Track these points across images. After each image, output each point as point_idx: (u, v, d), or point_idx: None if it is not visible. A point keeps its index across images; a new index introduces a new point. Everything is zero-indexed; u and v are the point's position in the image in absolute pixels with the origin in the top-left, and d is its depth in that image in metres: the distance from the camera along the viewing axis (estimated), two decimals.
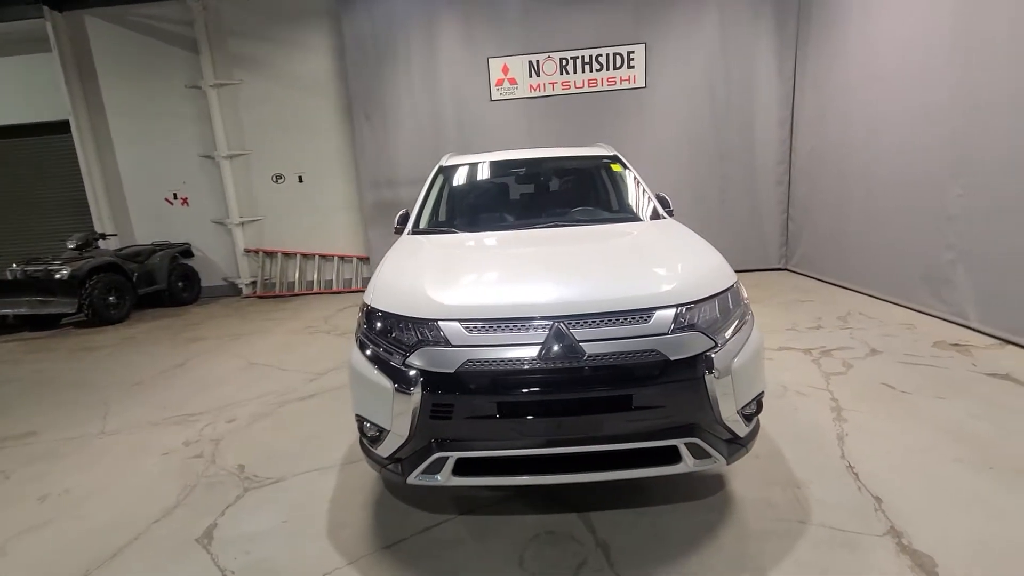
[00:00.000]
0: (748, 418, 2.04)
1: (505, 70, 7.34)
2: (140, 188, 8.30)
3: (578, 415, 1.85)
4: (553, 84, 7.33)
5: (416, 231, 3.22)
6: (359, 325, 2.24)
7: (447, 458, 1.90)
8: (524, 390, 1.85)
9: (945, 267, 4.69)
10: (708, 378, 1.86)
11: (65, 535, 2.38)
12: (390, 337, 2.07)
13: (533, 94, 7.38)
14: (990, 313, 4.27)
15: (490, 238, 2.92)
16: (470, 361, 1.87)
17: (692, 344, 1.89)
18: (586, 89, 7.32)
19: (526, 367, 1.84)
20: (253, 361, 4.83)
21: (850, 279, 6.05)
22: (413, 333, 2.00)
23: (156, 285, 7.49)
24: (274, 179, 8.24)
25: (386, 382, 1.95)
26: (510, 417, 1.86)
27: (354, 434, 3.11)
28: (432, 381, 1.88)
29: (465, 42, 7.29)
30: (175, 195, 8.36)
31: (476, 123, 7.48)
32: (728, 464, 1.99)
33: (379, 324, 2.12)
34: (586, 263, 2.36)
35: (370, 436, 2.15)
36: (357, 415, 2.17)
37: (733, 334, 1.98)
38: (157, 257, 7.63)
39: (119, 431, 3.48)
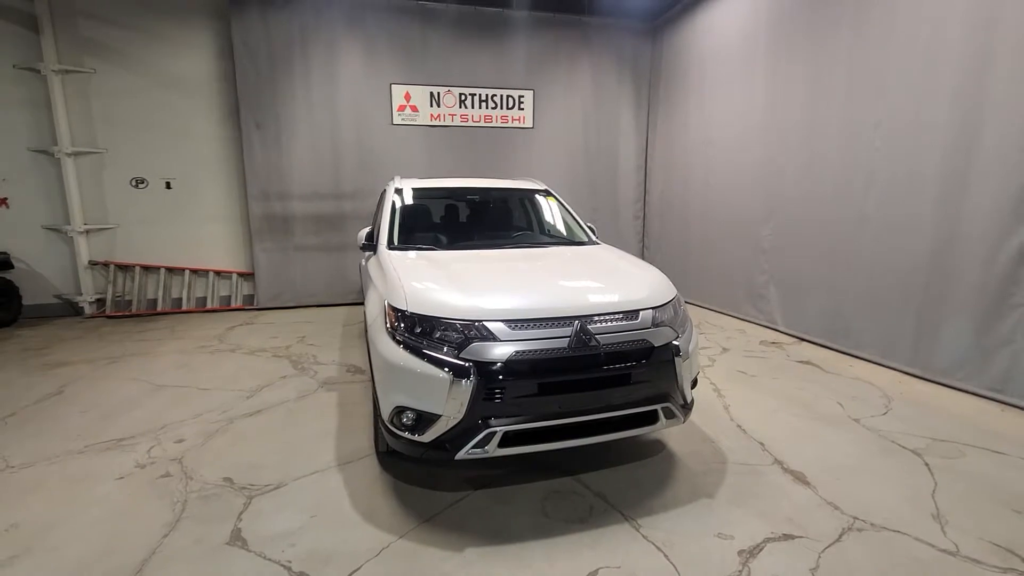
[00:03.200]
0: (692, 388, 2.84)
1: (408, 97, 7.71)
2: None
3: (595, 390, 2.44)
4: (453, 116, 7.91)
5: (394, 247, 3.49)
6: (392, 328, 2.54)
7: (495, 432, 2.33)
8: (558, 372, 2.38)
9: (761, 287, 6.36)
10: (676, 359, 2.60)
11: (46, 568, 2.18)
12: (434, 336, 2.43)
13: (434, 123, 7.87)
14: (790, 319, 5.94)
15: (478, 255, 3.37)
16: (518, 352, 2.35)
17: (666, 335, 2.62)
18: (482, 124, 8.04)
19: (561, 355, 2.39)
20: (158, 383, 4.42)
21: (694, 297, 7.64)
22: (460, 332, 2.40)
23: None
24: (134, 183, 7.32)
25: (442, 373, 2.31)
26: (547, 394, 2.37)
27: (335, 438, 3.29)
28: (486, 370, 2.31)
29: (368, 65, 7.50)
30: None
31: (376, 144, 7.68)
32: (683, 422, 2.75)
33: (421, 327, 2.47)
34: (582, 275, 2.99)
35: (409, 425, 2.46)
36: (397, 407, 2.46)
37: (685, 329, 2.78)
38: None
39: (31, 464, 3.05)
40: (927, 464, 2.98)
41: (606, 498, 2.64)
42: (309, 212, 7.68)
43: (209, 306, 7.64)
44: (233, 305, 7.74)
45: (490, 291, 2.64)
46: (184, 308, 7.52)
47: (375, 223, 3.97)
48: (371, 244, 3.68)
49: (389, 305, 2.63)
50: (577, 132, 8.43)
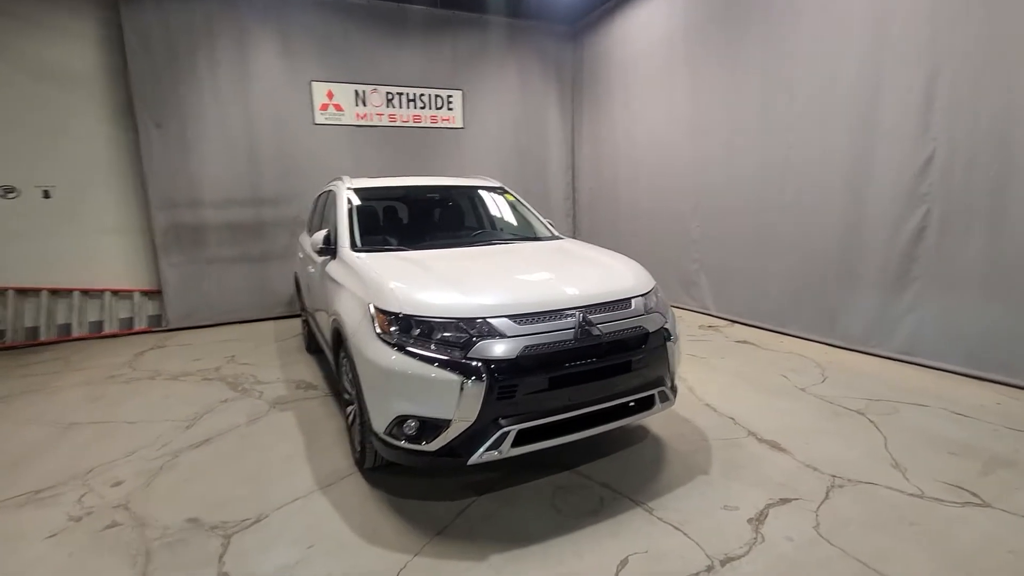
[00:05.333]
0: None
1: (330, 95, 7.30)
2: None
3: (601, 379, 2.44)
4: (380, 115, 7.61)
5: (359, 249, 3.26)
6: (385, 333, 2.37)
7: (508, 432, 2.25)
8: (567, 364, 2.36)
9: (692, 275, 6.79)
10: (669, 343, 2.69)
11: None
12: (435, 338, 2.30)
13: (360, 122, 7.51)
14: (721, 304, 6.40)
15: (452, 253, 3.22)
16: (528, 347, 2.29)
17: (657, 320, 2.70)
18: (411, 124, 7.82)
19: (568, 347, 2.37)
20: (68, 422, 3.78)
21: None
22: (464, 332, 2.29)
23: None
24: (1, 192, 6.23)
25: (451, 376, 2.19)
26: (557, 388, 2.34)
27: (307, 460, 3.01)
28: (497, 368, 2.23)
29: (285, 61, 6.99)
30: None
31: (298, 145, 7.18)
32: (673, 405, 2.84)
33: (419, 328, 2.32)
34: (567, 267, 2.98)
35: (412, 435, 2.31)
36: (398, 416, 2.29)
37: (669, 314, 2.87)
38: None
39: None
40: (872, 422, 3.33)
41: (611, 487, 2.66)
42: (224, 220, 7.00)
43: (107, 331, 6.68)
44: (137, 328, 6.84)
45: (488, 287, 2.56)
46: (75, 335, 6.52)
47: (330, 225, 3.69)
48: (329, 247, 3.41)
49: (377, 309, 2.46)
50: (507, 132, 8.47)
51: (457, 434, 2.24)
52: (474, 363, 2.22)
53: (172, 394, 4.31)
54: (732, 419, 3.44)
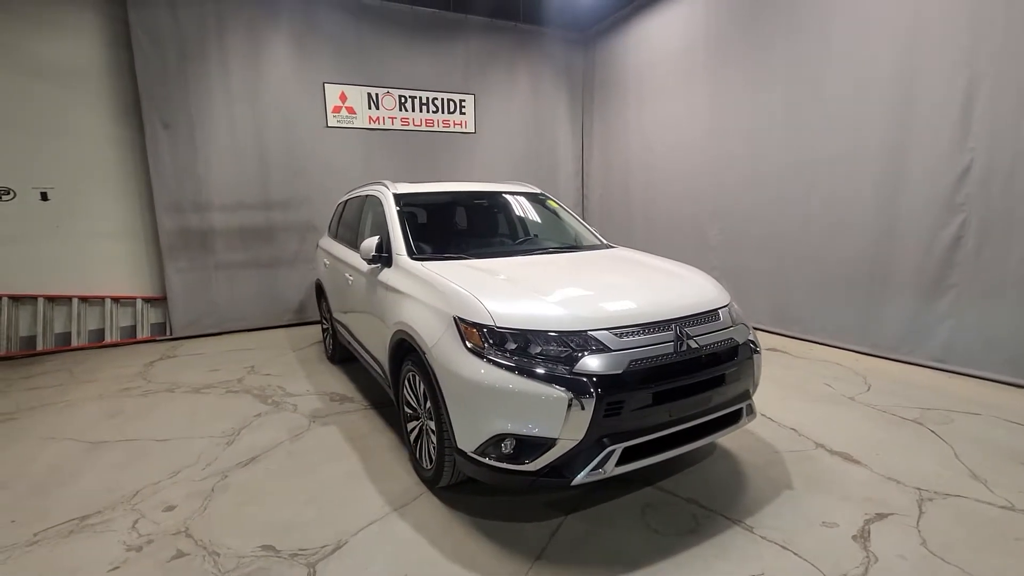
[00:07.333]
0: None
1: (343, 98, 7.12)
2: None
3: (699, 393, 2.37)
4: (393, 119, 7.45)
5: (417, 257, 3.12)
6: (479, 347, 2.25)
7: (614, 450, 2.16)
8: (670, 378, 2.27)
9: None
10: (755, 356, 2.63)
11: None
12: (534, 352, 2.19)
13: (372, 126, 7.35)
14: (743, 311, 6.37)
15: (520, 261, 3.11)
16: (633, 361, 2.20)
17: (743, 332, 2.65)
18: (424, 128, 7.68)
19: (670, 360, 2.29)
20: (92, 440, 3.54)
21: None
22: (565, 346, 2.19)
23: None
24: None
25: (559, 393, 2.08)
26: (660, 403, 2.25)
27: (369, 479, 2.87)
28: (603, 383, 2.13)
29: (298, 62, 6.80)
30: None
31: (310, 148, 6.98)
32: (756, 418, 2.78)
33: (515, 342, 2.22)
34: (644, 278, 2.89)
35: (508, 454, 2.20)
36: (496, 435, 2.18)
37: (749, 326, 2.82)
38: None
39: None
40: (933, 431, 3.33)
41: (699, 503, 2.58)
42: (233, 225, 6.75)
43: (109, 340, 6.36)
44: (140, 337, 6.53)
45: (580, 298, 2.47)
46: (75, 345, 6.19)
47: (380, 232, 3.53)
48: (382, 255, 3.27)
49: (463, 321, 2.33)
50: (518, 138, 8.40)
51: (561, 453, 2.13)
52: (582, 379, 2.12)
53: (199, 408, 4.09)
54: (794, 430, 3.40)
